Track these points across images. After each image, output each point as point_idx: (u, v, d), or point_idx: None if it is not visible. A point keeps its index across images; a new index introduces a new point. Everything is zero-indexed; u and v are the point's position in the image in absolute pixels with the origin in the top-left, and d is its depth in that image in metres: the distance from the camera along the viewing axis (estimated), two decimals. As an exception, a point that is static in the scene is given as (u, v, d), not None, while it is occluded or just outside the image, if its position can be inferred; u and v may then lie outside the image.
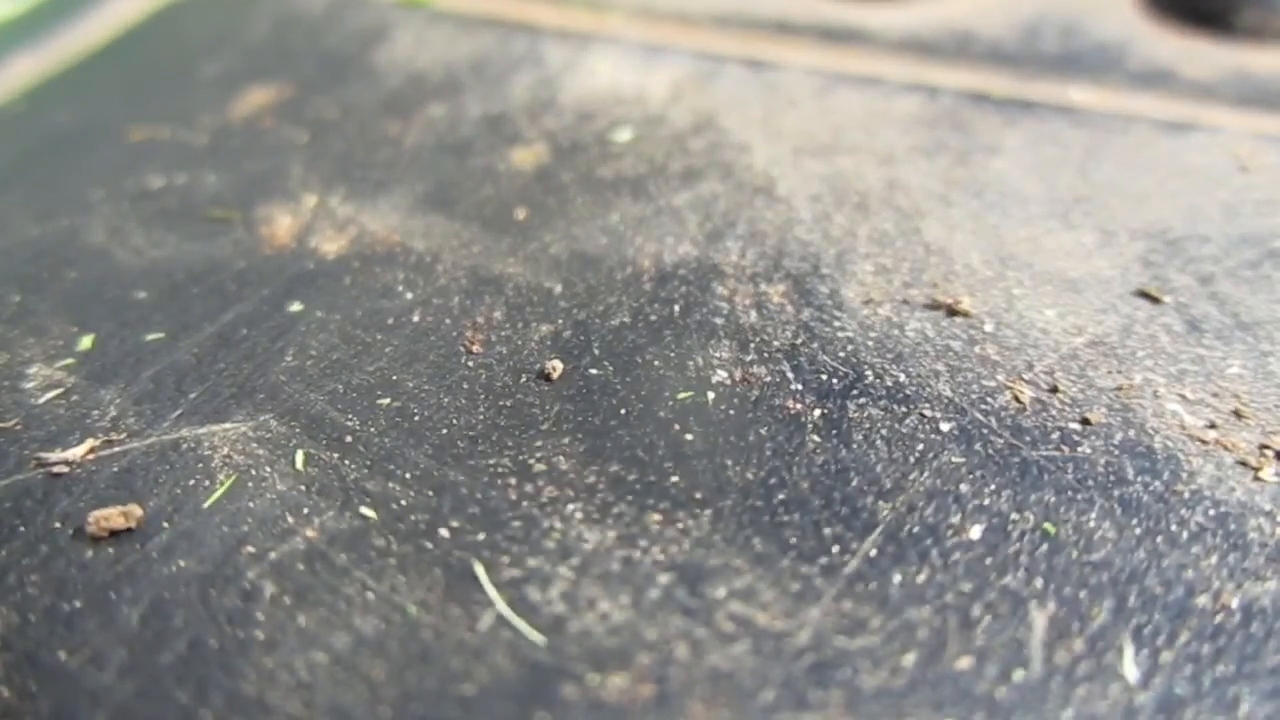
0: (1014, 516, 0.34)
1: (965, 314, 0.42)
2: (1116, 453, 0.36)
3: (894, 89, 0.58)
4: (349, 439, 0.38)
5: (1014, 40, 0.63)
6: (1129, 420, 0.37)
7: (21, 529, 0.35)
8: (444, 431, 0.38)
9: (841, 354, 0.40)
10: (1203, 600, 0.32)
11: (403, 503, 0.35)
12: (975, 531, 0.34)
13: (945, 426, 0.37)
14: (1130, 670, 0.30)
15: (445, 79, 0.61)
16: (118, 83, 0.63)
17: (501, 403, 0.39)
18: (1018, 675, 0.30)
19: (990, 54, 0.62)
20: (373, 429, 0.38)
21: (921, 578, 0.32)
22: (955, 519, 0.34)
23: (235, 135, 0.57)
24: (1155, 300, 0.43)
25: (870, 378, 0.39)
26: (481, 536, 0.34)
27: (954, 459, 0.36)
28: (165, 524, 0.34)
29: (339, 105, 0.59)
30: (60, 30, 0.68)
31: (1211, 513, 0.34)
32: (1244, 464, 0.36)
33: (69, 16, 0.70)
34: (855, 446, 0.37)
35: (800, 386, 0.39)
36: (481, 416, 0.38)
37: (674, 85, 0.59)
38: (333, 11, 0.70)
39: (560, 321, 0.43)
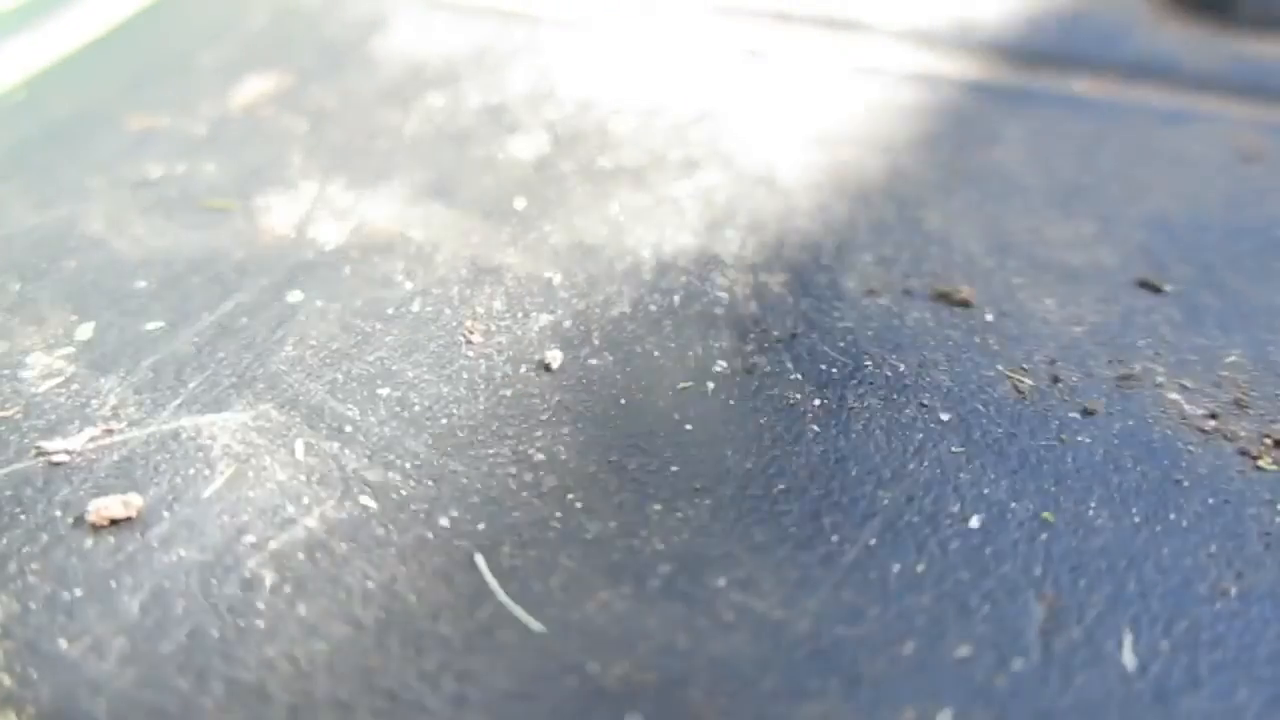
0: (1013, 505, 0.34)
1: (965, 304, 0.42)
2: (1116, 442, 0.36)
3: (895, 79, 0.58)
4: (349, 428, 0.38)
5: (1015, 30, 0.63)
6: (1129, 410, 0.37)
7: (22, 517, 0.35)
8: (444, 421, 0.38)
9: (841, 344, 0.40)
10: (1201, 588, 0.32)
11: (403, 492, 0.35)
12: (974, 520, 0.34)
13: (944, 416, 0.37)
14: (1128, 658, 0.30)
15: (445, 68, 0.61)
16: (117, 72, 0.62)
17: (501, 392, 0.39)
18: (1016, 663, 0.30)
19: (991, 44, 0.61)
20: (373, 418, 0.38)
21: (920, 566, 0.32)
22: (954, 508, 0.34)
23: (234, 124, 0.56)
24: (1156, 289, 0.43)
25: (870, 367, 0.39)
26: (481, 526, 0.34)
27: (953, 448, 0.36)
28: (165, 513, 0.34)
29: (338, 94, 0.59)
30: (59, 19, 0.68)
31: (1211, 501, 0.34)
32: (1244, 453, 0.36)
33: (68, 5, 0.69)
34: (854, 436, 0.37)
35: (800, 376, 0.39)
36: (481, 406, 0.38)
37: (674, 75, 0.59)
38: (332, 0, 0.70)
39: (560, 311, 0.43)
